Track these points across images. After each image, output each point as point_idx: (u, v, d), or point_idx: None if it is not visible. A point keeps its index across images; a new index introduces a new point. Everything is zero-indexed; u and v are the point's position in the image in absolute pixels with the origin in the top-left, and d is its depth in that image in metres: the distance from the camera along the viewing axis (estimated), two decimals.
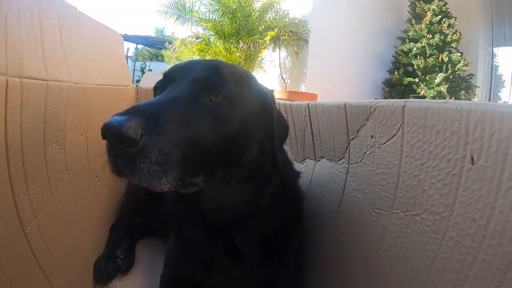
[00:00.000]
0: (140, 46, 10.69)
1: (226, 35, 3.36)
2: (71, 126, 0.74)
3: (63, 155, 0.71)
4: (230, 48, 3.54)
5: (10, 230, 0.51)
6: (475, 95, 3.77)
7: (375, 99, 3.49)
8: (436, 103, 0.38)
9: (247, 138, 0.53)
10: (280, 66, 3.54)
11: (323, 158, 0.75)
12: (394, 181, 0.44)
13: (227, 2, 3.32)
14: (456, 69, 3.41)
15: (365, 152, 0.54)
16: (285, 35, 3.35)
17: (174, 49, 3.71)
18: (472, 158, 0.32)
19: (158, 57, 9.68)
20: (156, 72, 1.80)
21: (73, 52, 0.73)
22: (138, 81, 9.49)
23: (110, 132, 0.40)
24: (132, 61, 10.30)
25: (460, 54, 3.48)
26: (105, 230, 0.97)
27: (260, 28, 3.47)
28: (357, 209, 0.54)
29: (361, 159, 0.55)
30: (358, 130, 0.56)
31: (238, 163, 0.54)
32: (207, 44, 3.54)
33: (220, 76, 0.52)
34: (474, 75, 3.76)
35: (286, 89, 3.40)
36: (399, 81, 3.70)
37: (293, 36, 3.42)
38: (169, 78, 0.55)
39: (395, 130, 0.45)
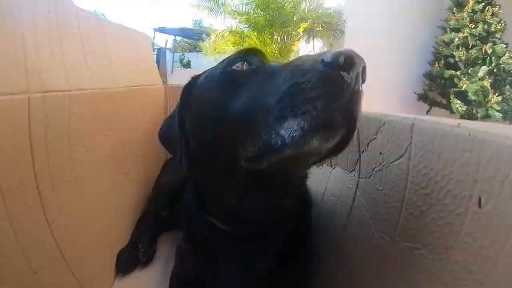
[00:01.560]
0: (178, 38, 10.94)
1: (260, 27, 3.30)
2: (96, 129, 0.77)
3: (89, 155, 0.75)
4: (265, 40, 3.48)
5: (37, 227, 0.56)
6: None
7: (415, 93, 3.21)
8: (447, 126, 0.33)
9: None
10: None
11: (337, 166, 0.71)
12: (398, 206, 0.40)
13: None
14: (500, 62, 3.04)
15: (373, 168, 0.50)
16: (319, 26, 3.22)
17: (211, 42, 3.75)
18: (479, 200, 0.27)
19: (196, 48, 9.85)
20: (185, 70, 1.83)
21: (95, 59, 0.75)
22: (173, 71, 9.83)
23: (358, 61, 0.34)
24: (171, 52, 10.62)
25: (505, 46, 3.08)
26: (132, 223, 1.02)
27: (295, 19, 3.37)
28: (363, 228, 0.50)
29: (370, 175, 0.51)
30: (368, 144, 0.52)
31: None
32: (241, 37, 3.51)
33: None
34: None
35: None
36: (440, 74, 3.40)
37: (328, 27, 3.28)
38: None
39: (402, 150, 0.41)
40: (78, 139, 0.68)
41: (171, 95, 1.37)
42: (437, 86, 3.48)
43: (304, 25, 2.97)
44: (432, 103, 3.62)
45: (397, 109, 4.00)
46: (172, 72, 9.84)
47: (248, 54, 0.48)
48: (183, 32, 9.01)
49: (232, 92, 0.44)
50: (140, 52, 1.26)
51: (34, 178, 0.54)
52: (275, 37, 3.36)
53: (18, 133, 0.48)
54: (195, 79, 0.57)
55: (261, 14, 3.35)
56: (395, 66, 3.91)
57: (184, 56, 9.82)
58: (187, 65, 9.56)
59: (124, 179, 0.97)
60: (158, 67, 5.95)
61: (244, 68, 0.47)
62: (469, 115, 3.14)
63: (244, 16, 3.38)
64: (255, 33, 3.45)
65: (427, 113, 3.69)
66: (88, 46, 0.71)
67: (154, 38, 9.65)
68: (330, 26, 3.34)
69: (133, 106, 1.04)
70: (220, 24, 3.85)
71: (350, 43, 3.61)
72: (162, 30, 9.43)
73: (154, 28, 9.40)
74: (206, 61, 4.33)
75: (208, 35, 4.00)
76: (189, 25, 13.82)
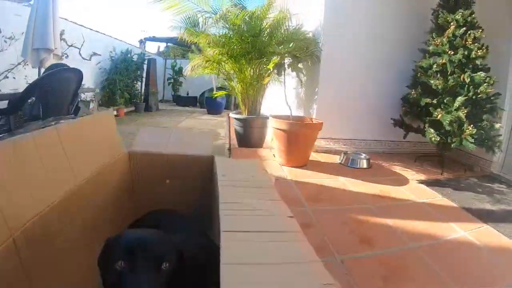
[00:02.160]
0: (170, 44, 10.88)
1: (236, 56, 3.27)
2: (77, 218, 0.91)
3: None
4: (241, 67, 3.47)
5: None
6: (500, 118, 3.27)
7: (391, 119, 3.16)
8: None
9: None
10: (285, 91, 3.42)
11: None
12: None
13: (235, 21, 3.19)
14: (478, 91, 2.95)
15: None
16: (295, 55, 3.16)
17: (187, 72, 3.69)
18: None
19: (185, 56, 9.81)
20: (152, 129, 1.77)
21: (74, 155, 0.94)
22: (169, 79, 9.79)
23: None
24: (163, 58, 10.53)
25: (483, 74, 2.98)
26: None
27: (270, 50, 3.27)
28: None
29: None
30: None
31: None
32: (218, 63, 3.50)
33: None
34: (501, 94, 3.24)
35: (290, 117, 3.25)
36: (416, 101, 3.33)
37: (303, 54, 3.25)
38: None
39: None
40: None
41: (138, 165, 1.36)
42: (413, 114, 3.43)
43: (274, 61, 2.93)
44: (409, 128, 3.58)
45: (376, 133, 3.99)
46: (165, 81, 9.78)
47: (128, 254, 0.65)
48: (173, 40, 8.99)
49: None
50: (106, 132, 1.27)
51: None
52: (249, 68, 3.32)
53: None
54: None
55: (236, 44, 3.30)
56: (374, 90, 3.88)
57: (176, 63, 9.76)
58: (179, 71, 9.51)
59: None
60: (149, 78, 5.97)
61: (122, 266, 0.64)
62: (443, 145, 3.12)
63: (219, 48, 3.33)
64: (231, 61, 3.41)
65: (404, 138, 3.69)
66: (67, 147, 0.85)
67: (145, 47, 9.59)
68: (306, 52, 3.30)
69: (98, 187, 1.08)
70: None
71: (326, 69, 3.57)
72: (153, 39, 9.43)
73: (145, 38, 9.40)
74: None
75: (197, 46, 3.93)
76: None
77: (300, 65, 3.33)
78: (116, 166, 1.23)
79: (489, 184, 3.19)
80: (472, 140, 2.90)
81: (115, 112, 6.15)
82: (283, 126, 2.96)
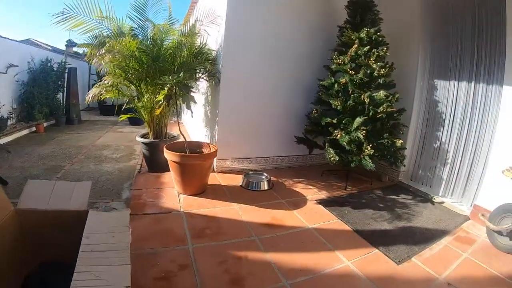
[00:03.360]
0: None
1: (133, 81, 3.02)
2: None
3: None
4: (142, 92, 3.26)
5: None
6: (402, 133, 3.29)
7: (295, 136, 3.10)
8: None
9: None
10: (178, 119, 3.22)
11: None
12: None
13: (127, 50, 2.94)
14: (378, 111, 2.94)
15: None
16: (185, 85, 2.93)
17: (91, 95, 3.33)
18: None
19: None
20: (37, 183, 1.61)
21: None
22: (93, 85, 9.07)
23: None
24: (87, 62, 9.74)
25: (384, 94, 2.97)
26: None
27: (160, 80, 3.00)
28: None
29: None
30: None
31: None
32: (117, 89, 3.25)
33: None
34: (405, 110, 3.33)
35: (185, 144, 3.07)
36: (318, 120, 3.28)
37: (205, 75, 3.10)
38: None
39: None
40: None
41: (24, 218, 1.39)
42: (315, 134, 3.38)
43: (163, 92, 2.72)
44: (313, 145, 3.54)
45: (283, 149, 3.93)
46: (90, 88, 9.07)
47: None
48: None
49: None
50: None
51: None
52: (147, 94, 3.11)
53: None
54: None
55: (134, 70, 3.05)
56: (280, 107, 3.77)
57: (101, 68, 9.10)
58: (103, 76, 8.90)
59: None
60: (70, 88, 5.36)
61: None
62: (343, 163, 3.15)
63: (120, 72, 3.05)
64: (132, 86, 3.15)
65: (309, 153, 3.70)
66: None
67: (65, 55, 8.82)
68: (207, 74, 3.15)
69: None
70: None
71: (227, 90, 3.40)
72: (73, 44, 8.69)
73: (67, 40, 8.61)
74: None
75: None
76: None
77: (192, 92, 3.10)
78: (5, 225, 1.29)
79: (393, 197, 3.24)
80: (370, 161, 2.93)
81: (33, 128, 5.63)
82: (174, 158, 2.76)
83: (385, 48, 3.15)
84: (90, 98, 3.30)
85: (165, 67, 2.97)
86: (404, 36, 3.63)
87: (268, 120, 3.72)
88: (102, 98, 3.31)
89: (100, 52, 2.87)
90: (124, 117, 3.69)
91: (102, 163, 3.90)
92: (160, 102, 2.79)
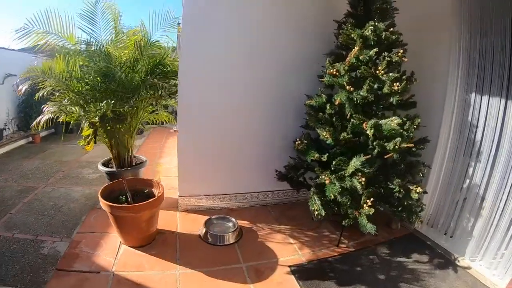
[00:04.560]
0: None
1: (100, 98, 2.45)
2: None
3: None
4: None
5: None
6: (422, 176, 2.28)
7: (276, 170, 2.27)
8: None
9: None
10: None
11: None
12: None
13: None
14: (388, 148, 1.98)
15: None
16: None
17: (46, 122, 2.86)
18: None
19: None
20: None
21: None
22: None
23: None
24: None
25: (397, 122, 1.97)
26: None
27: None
28: None
29: None
30: None
31: None
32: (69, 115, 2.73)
33: None
34: (429, 141, 2.32)
35: (124, 183, 2.45)
36: (303, 153, 2.37)
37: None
38: None
39: None
40: None
41: None
42: (303, 168, 2.56)
43: (86, 132, 2.12)
44: (298, 184, 2.72)
45: (264, 183, 3.12)
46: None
47: None
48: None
49: None
50: None
51: None
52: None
53: None
54: None
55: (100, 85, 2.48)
56: (259, 133, 2.94)
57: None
58: None
59: None
60: None
61: None
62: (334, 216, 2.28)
63: (73, 94, 2.51)
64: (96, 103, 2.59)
65: (297, 193, 2.85)
66: None
67: None
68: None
69: None
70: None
71: (186, 116, 2.66)
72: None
73: None
74: None
75: None
76: None
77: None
78: None
79: (402, 259, 2.32)
80: (368, 222, 2.05)
81: (30, 139, 5.47)
82: (105, 207, 2.18)
83: (401, 51, 2.13)
84: (37, 125, 2.77)
85: (118, 88, 2.36)
86: (430, 34, 2.52)
87: (248, 147, 2.92)
88: (66, 120, 2.78)
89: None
90: (82, 142, 3.09)
91: (75, 185, 3.54)
92: (88, 138, 2.21)
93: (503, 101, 2.11)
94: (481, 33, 2.22)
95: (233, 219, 2.64)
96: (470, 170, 2.33)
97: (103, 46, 2.64)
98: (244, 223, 2.73)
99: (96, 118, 2.16)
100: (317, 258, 2.32)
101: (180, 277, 2.04)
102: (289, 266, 2.20)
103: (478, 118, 2.28)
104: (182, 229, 2.62)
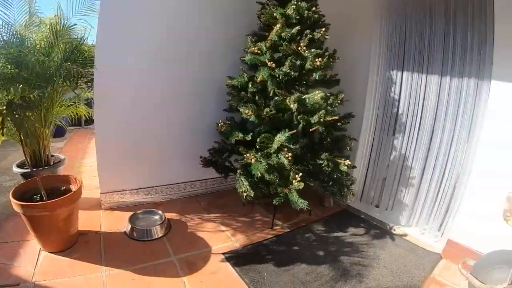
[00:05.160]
0: None
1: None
2: None
3: None
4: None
5: None
6: (350, 150, 2.37)
7: (200, 157, 2.00)
8: None
9: None
10: None
11: None
12: None
13: None
14: (313, 121, 2.00)
15: None
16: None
17: None
18: None
19: None
20: None
21: None
22: None
23: None
24: None
25: (320, 95, 2.00)
26: None
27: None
28: None
29: None
30: None
31: None
32: None
33: None
34: (353, 116, 2.38)
35: (38, 180, 2.12)
36: (227, 135, 2.30)
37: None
38: None
39: None
40: None
41: None
42: (228, 151, 2.50)
43: None
44: (225, 169, 2.66)
45: (192, 173, 2.99)
46: None
47: None
48: None
49: None
50: None
51: None
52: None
53: None
54: None
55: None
56: (183, 120, 2.79)
57: None
58: None
59: None
60: None
61: None
62: (263, 197, 2.24)
63: None
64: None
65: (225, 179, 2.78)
66: None
67: None
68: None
69: None
70: None
71: (104, 109, 2.41)
72: None
73: None
74: None
75: None
76: None
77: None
78: None
79: (339, 234, 2.35)
80: (299, 197, 2.03)
81: None
82: (17, 208, 1.86)
83: (323, 29, 2.17)
84: None
85: (32, 76, 2.02)
86: (354, 16, 2.63)
87: (172, 137, 2.73)
88: None
89: None
90: None
91: None
92: None
93: (424, 76, 2.27)
94: (403, 16, 2.34)
95: (159, 212, 2.44)
96: (397, 143, 2.46)
97: (16, 30, 2.28)
98: (172, 215, 2.54)
99: (4, 106, 1.83)
100: (252, 242, 2.24)
101: (107, 278, 1.81)
102: (223, 254, 2.08)
103: (400, 94, 2.41)
104: (106, 227, 2.36)
